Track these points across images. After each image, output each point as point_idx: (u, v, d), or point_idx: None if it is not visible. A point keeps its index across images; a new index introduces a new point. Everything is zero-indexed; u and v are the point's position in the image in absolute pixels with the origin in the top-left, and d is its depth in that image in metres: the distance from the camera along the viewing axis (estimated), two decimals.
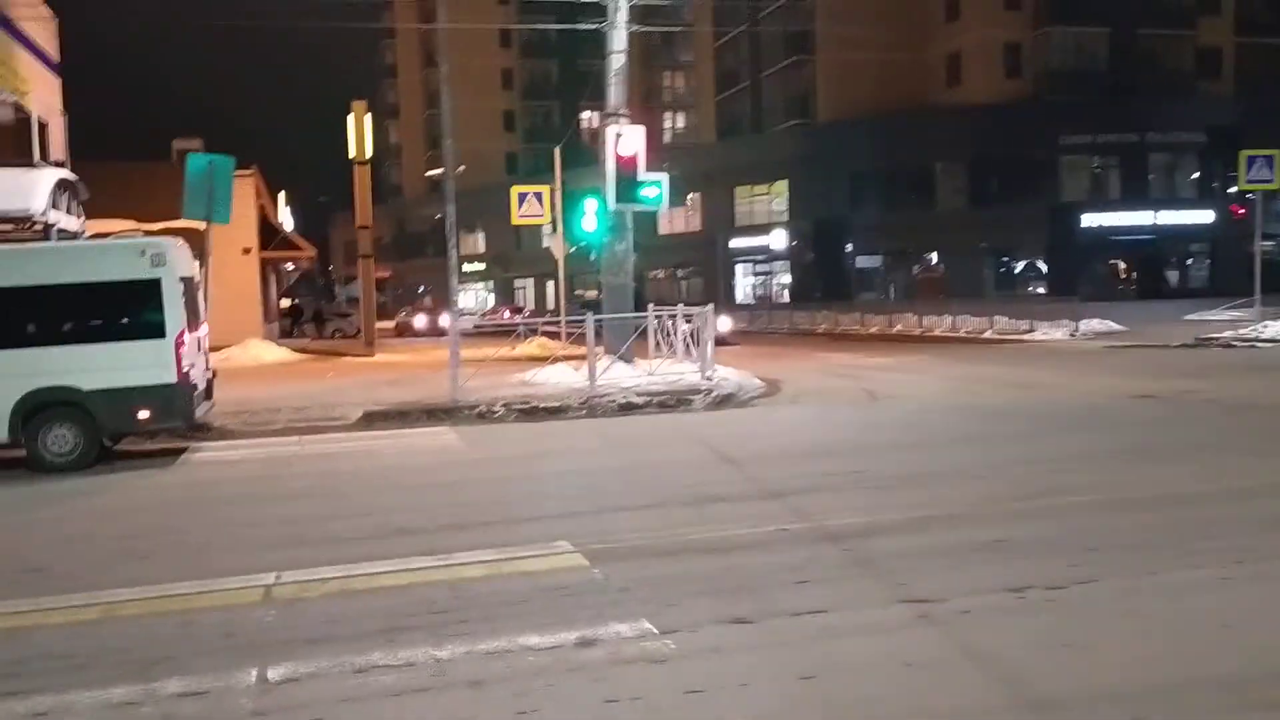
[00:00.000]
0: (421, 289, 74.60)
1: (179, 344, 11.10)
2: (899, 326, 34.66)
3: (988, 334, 29.47)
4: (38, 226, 15.17)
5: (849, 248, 49.21)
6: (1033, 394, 14.88)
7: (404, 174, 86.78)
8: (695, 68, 69.41)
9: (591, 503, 8.29)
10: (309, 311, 45.92)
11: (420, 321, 47.00)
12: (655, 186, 16.37)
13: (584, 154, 53.54)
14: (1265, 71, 47.52)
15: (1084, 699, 4.13)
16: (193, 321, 11.79)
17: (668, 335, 17.77)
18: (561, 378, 16.11)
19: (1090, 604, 5.27)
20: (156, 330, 11.03)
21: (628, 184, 16.24)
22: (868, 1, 47.26)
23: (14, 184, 14.65)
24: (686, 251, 56.83)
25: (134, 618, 5.69)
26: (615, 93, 17.50)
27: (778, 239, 51.28)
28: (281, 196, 44.58)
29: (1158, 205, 47.14)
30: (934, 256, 49.45)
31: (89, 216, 19.52)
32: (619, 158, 16.17)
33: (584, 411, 14.08)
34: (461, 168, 34.36)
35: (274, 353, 26.80)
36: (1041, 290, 45.41)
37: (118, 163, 29.14)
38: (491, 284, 74.87)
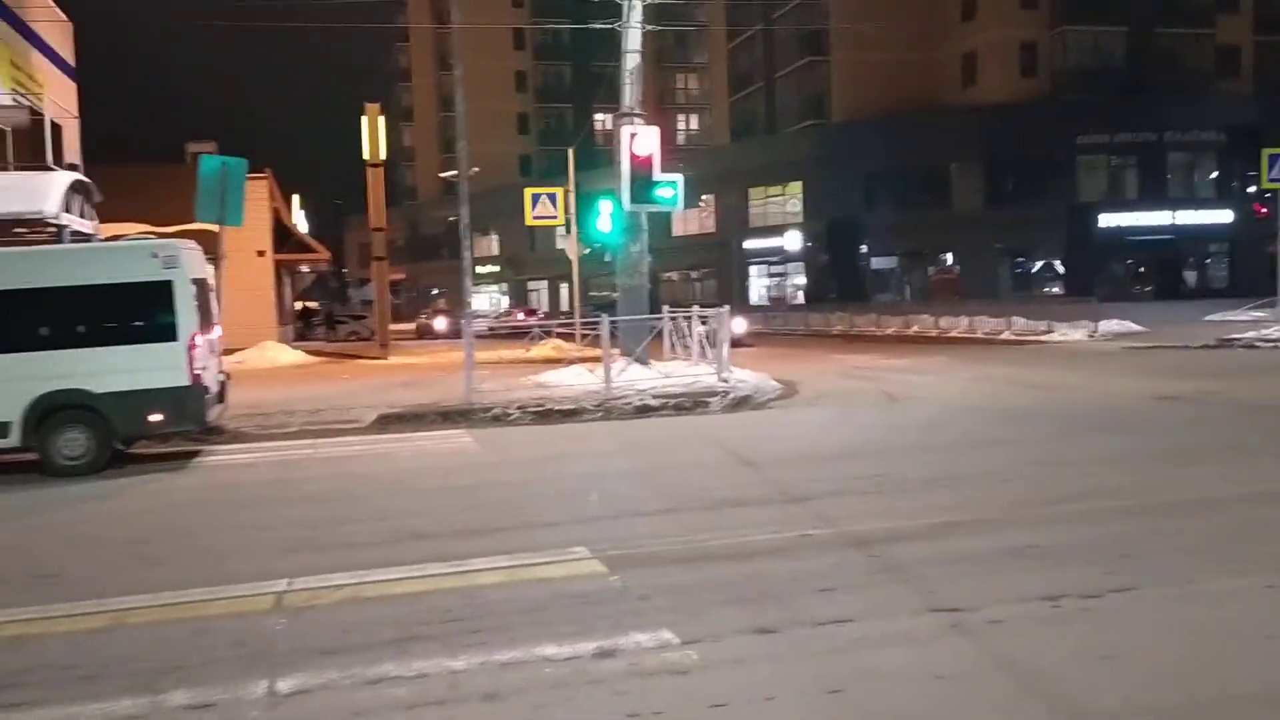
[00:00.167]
0: (435, 291, 74.64)
1: (191, 346, 11.00)
2: (915, 328, 34.40)
3: (1005, 335, 29.21)
4: (50, 229, 15.12)
5: (864, 249, 48.94)
6: (1055, 395, 14.65)
7: (418, 177, 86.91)
8: (709, 69, 69.29)
9: (609, 507, 8.14)
10: (321, 314, 45.88)
11: (441, 324, 46.91)
12: (670, 187, 16.23)
13: (598, 156, 53.50)
14: None
15: (1126, 714, 3.96)
16: (205, 324, 11.70)
17: (683, 337, 17.61)
18: (576, 380, 15.97)
19: (1128, 613, 5.09)
20: (169, 333, 10.93)
21: (643, 184, 16.10)
22: (882, 1, 46.99)
23: (27, 186, 14.61)
24: (700, 253, 56.66)
25: (143, 625, 5.57)
26: (630, 92, 17.36)
27: (792, 240, 51.02)
28: (296, 199, 44.64)
29: (1176, 205, 46.71)
30: (949, 257, 49.12)
31: (103, 220, 19.49)
32: (634, 158, 16.04)
33: (599, 414, 13.93)
34: (475, 169, 34.32)
35: (288, 355, 26.76)
36: (1057, 291, 45.06)
37: (132, 166, 29.18)
38: (505, 286, 74.85)
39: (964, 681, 4.31)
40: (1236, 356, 20.25)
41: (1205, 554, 6.05)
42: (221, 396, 12.47)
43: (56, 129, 22.67)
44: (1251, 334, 23.25)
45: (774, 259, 54.15)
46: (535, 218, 25.62)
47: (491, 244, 73.66)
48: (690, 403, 14.39)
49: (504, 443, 12.04)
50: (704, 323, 17.28)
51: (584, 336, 20.99)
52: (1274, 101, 44.20)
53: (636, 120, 16.84)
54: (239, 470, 10.90)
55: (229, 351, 15.64)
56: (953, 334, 31.77)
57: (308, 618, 5.56)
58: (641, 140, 16.07)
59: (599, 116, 61.18)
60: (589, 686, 4.40)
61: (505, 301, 71.81)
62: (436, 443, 12.25)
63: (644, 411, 14.06)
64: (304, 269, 41.02)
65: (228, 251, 15.68)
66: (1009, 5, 47.58)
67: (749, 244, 54.10)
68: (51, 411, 10.73)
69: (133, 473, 10.94)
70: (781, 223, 52.28)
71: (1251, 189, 40.19)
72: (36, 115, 20.80)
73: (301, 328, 41.88)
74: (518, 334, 29.10)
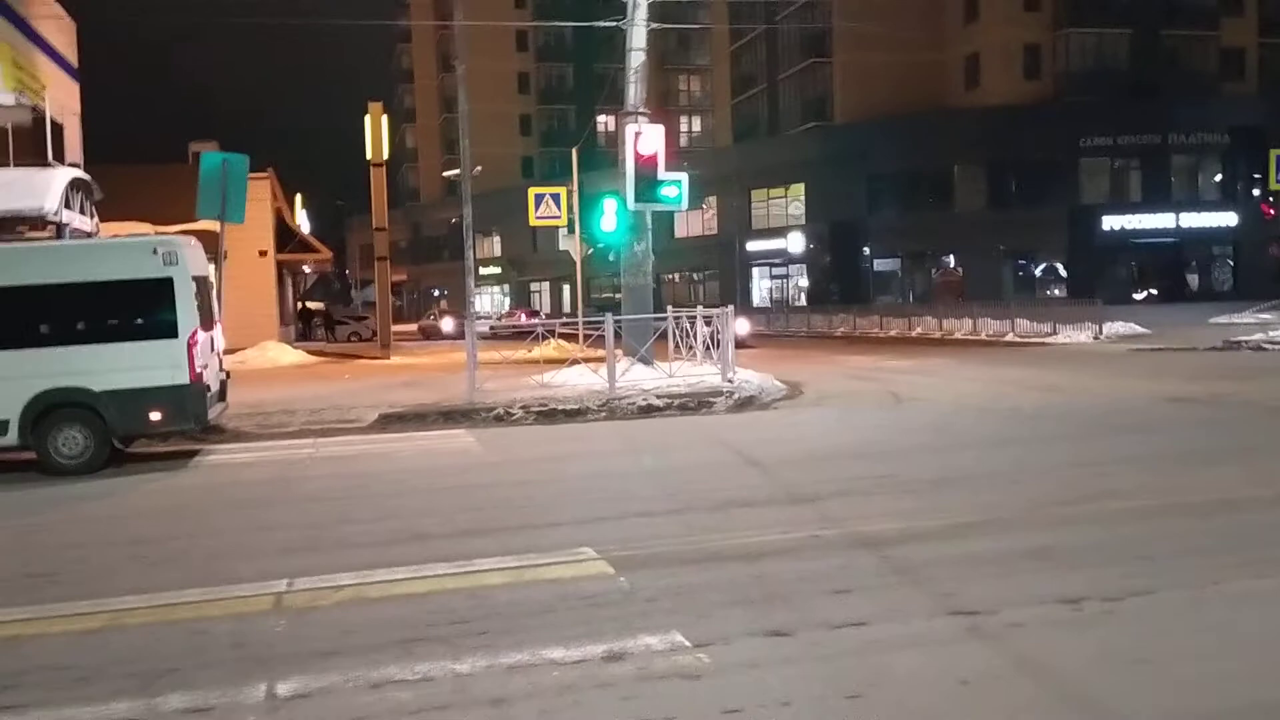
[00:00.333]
0: (437, 292, 74.55)
1: (191, 344, 10.88)
2: (918, 329, 34.26)
3: (1009, 337, 29.06)
4: (50, 226, 14.99)
5: (866, 250, 48.81)
6: (1062, 397, 14.51)
7: (420, 178, 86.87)
8: (711, 70, 69.15)
9: (614, 507, 8.00)
10: (320, 315, 45.62)
11: (448, 325, 46.63)
12: (675, 186, 16.09)
13: (600, 158, 53.46)
14: None
15: None
16: (206, 322, 11.58)
17: (687, 337, 17.48)
18: (580, 380, 15.83)
19: (1150, 616, 4.95)
20: (169, 330, 10.81)
21: (647, 183, 15.96)
22: (884, 2, 46.88)
23: (27, 183, 14.47)
24: (703, 254, 56.55)
25: (140, 626, 5.44)
26: (634, 91, 17.22)
27: (795, 241, 50.89)
28: (298, 199, 44.50)
29: (1180, 207, 46.57)
30: (952, 259, 48.99)
31: (104, 219, 19.34)
32: (638, 156, 15.90)
33: (603, 414, 13.80)
34: (479, 168, 34.23)
35: (290, 355, 26.64)
36: (1060, 293, 44.91)
37: (134, 166, 29.07)
38: (507, 287, 74.78)
39: (988, 686, 4.17)
40: (1244, 358, 20.10)
41: (1226, 555, 5.92)
42: (222, 395, 12.35)
43: (58, 128, 22.55)
44: (1259, 336, 23.10)
45: (776, 260, 54.03)
46: (539, 218, 25.51)
47: (493, 245, 73.56)
48: (695, 403, 14.27)
49: (507, 442, 11.92)
50: (708, 323, 17.15)
51: (587, 337, 20.85)
52: (1278, 103, 44.06)
53: (642, 119, 16.71)
54: (239, 469, 10.77)
55: (231, 351, 15.51)
56: (956, 336, 31.62)
57: (308, 619, 5.43)
58: (646, 138, 15.94)
59: (601, 118, 61.13)
60: (598, 691, 4.27)
61: (507, 302, 71.74)
62: (439, 442, 12.12)
63: (648, 411, 13.93)
64: (306, 269, 40.89)
65: (229, 250, 15.57)
66: (1012, 7, 47.44)
67: (751, 245, 53.98)
68: (50, 409, 10.61)
69: (132, 472, 10.81)
70: (784, 224, 52.16)
71: (1256, 191, 40.03)
72: (38, 114, 20.69)
73: (301, 329, 41.68)
74: (520, 334, 28.99)
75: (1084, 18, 46.54)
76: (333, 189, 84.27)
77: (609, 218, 18.44)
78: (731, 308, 16.76)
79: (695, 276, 58.67)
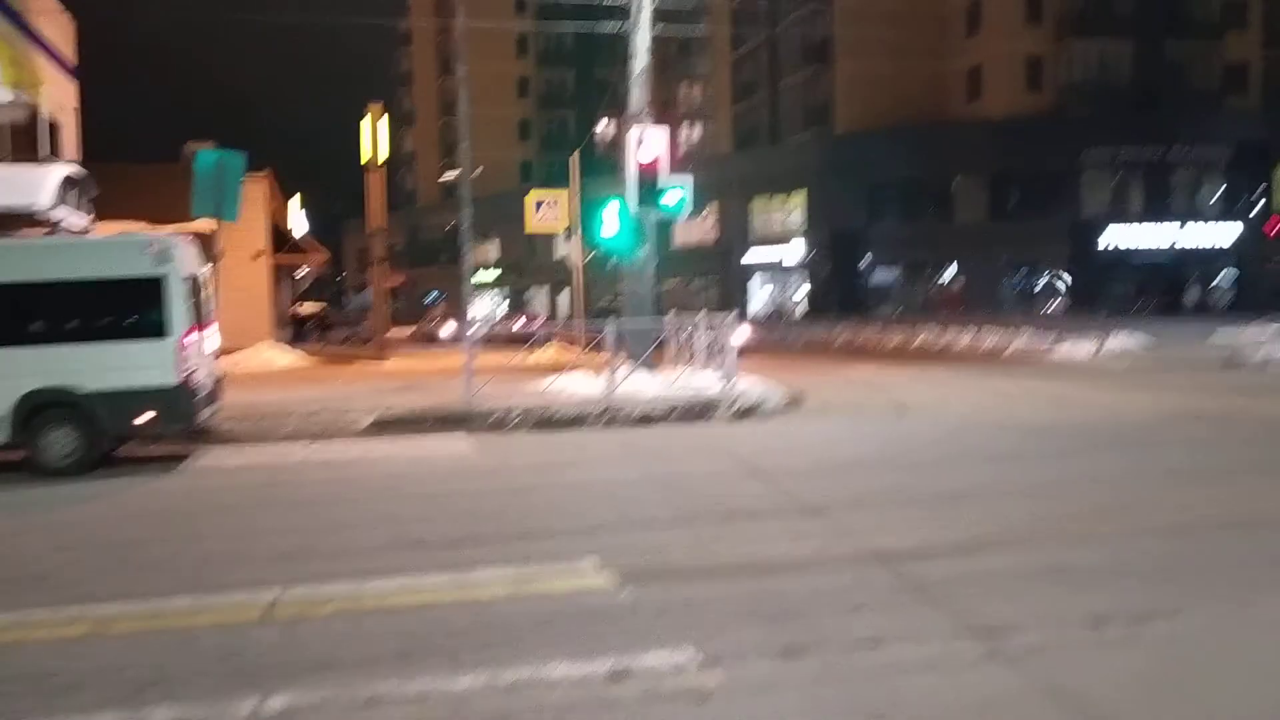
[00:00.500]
0: (435, 294, 74.32)
1: (183, 345, 10.67)
2: (919, 340, 34.09)
3: (1011, 349, 28.88)
4: (44, 223, 14.77)
5: (867, 260, 48.67)
6: (1068, 410, 14.31)
7: (419, 181, 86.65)
8: (712, 78, 69.06)
9: (616, 517, 7.79)
10: (314, 318, 45.25)
11: (448, 329, 46.20)
12: (679, 189, 15.91)
13: (600, 164, 53.25)
14: None
15: None
16: (199, 321, 11.36)
17: (689, 344, 17.28)
18: (579, 386, 15.63)
19: (1177, 638, 4.76)
20: (159, 330, 10.60)
21: (650, 188, 15.79)
22: (887, 13, 46.80)
23: (20, 179, 14.25)
24: (702, 263, 56.36)
25: (127, 634, 5.26)
26: (637, 95, 17.06)
27: (795, 251, 50.75)
28: (295, 201, 44.26)
29: (1182, 221, 46.46)
30: (953, 270, 48.86)
31: (100, 218, 19.11)
32: (641, 161, 15.72)
33: (603, 421, 13.59)
34: (479, 169, 34.04)
35: (285, 357, 26.40)
36: (1061, 305, 44.78)
37: (130, 164, 28.82)
38: (505, 291, 74.57)
39: (1016, 712, 3.98)
40: (1252, 373, 19.93)
41: (1253, 575, 5.73)
42: (214, 397, 12.12)
43: (55, 126, 22.35)
44: (1264, 352, 22.88)
45: (776, 269, 53.88)
46: (538, 223, 25.32)
47: (491, 250, 73.37)
48: (696, 411, 14.06)
49: (505, 449, 11.71)
50: (710, 331, 16.95)
51: (587, 342, 20.66)
52: None
53: (645, 123, 16.54)
54: (231, 473, 10.55)
55: (225, 352, 15.29)
56: (958, 348, 31.45)
57: (300, 630, 5.23)
58: (649, 143, 15.77)
59: (603, 122, 61.00)
60: (603, 711, 4.08)
61: (504, 307, 71.53)
62: (435, 448, 11.90)
63: (648, 419, 13.73)
64: (302, 271, 40.61)
65: (224, 251, 15.36)
66: (1014, 19, 47.35)
67: (751, 254, 53.83)
68: (39, 409, 10.40)
69: (122, 474, 10.59)
70: (784, 233, 52.01)
71: (1260, 204, 39.95)
72: (34, 110, 20.50)
73: (294, 331, 41.35)
74: (517, 341, 28.77)
75: (1086, 30, 46.46)
76: (330, 191, 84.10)
77: (610, 223, 18.25)
78: (734, 315, 16.58)
79: (694, 285, 58.47)
